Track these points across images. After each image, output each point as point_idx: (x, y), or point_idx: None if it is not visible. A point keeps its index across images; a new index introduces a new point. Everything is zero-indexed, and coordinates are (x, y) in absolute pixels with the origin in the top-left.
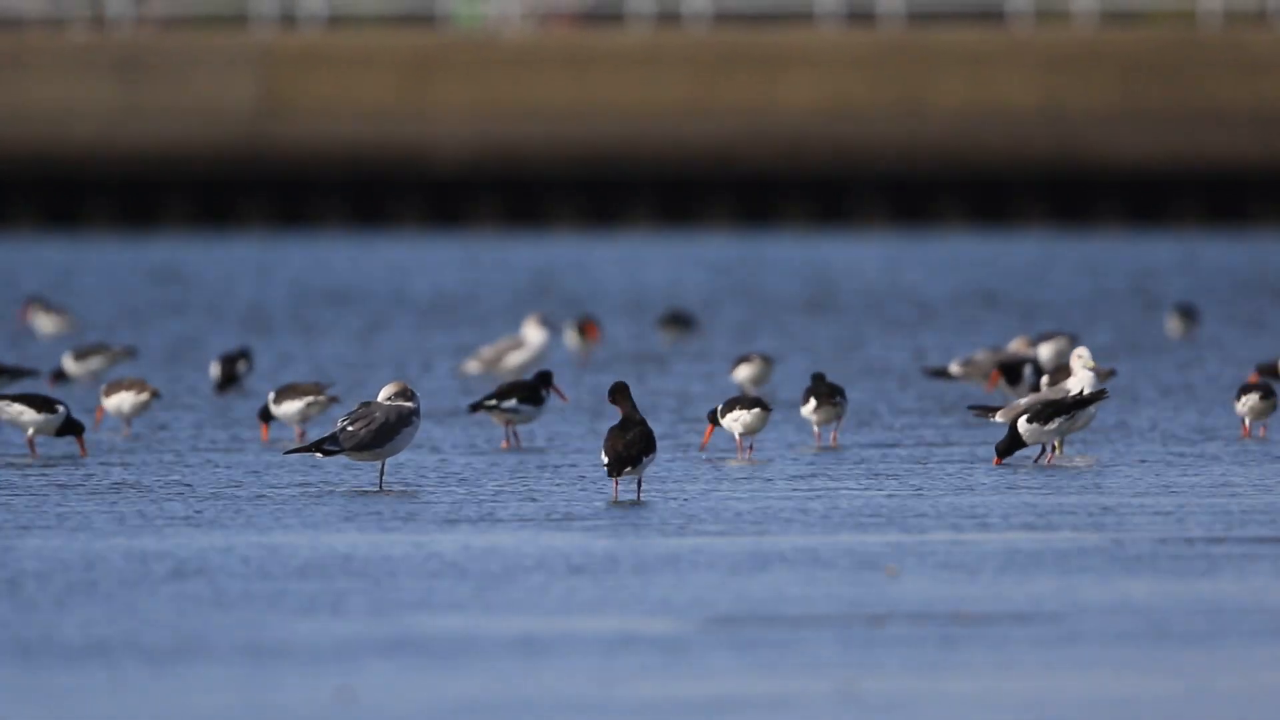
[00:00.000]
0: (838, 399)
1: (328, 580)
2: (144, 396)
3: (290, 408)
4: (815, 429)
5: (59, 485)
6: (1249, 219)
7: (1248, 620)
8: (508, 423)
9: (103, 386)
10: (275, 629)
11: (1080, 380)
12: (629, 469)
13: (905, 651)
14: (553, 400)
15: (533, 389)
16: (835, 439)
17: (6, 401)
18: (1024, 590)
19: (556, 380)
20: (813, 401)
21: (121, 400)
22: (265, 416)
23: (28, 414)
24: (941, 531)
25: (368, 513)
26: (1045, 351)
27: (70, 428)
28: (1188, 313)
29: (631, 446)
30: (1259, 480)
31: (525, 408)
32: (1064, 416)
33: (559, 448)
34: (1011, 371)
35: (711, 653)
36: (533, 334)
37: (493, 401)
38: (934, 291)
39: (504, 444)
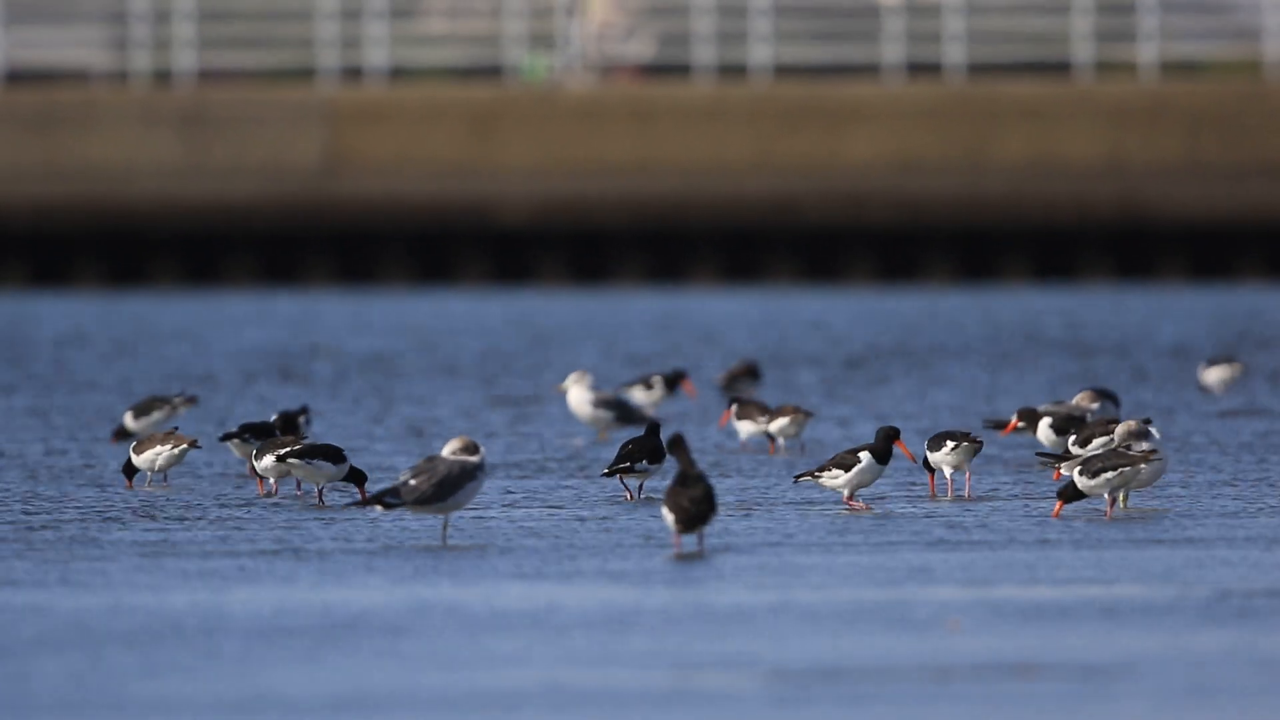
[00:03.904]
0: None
1: (386, 635)
2: (178, 449)
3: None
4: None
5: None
6: None
7: None
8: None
9: (133, 444)
10: (346, 682)
11: (1121, 436)
12: (700, 526)
13: (972, 706)
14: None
15: (655, 446)
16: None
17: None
18: (1087, 643)
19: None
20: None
21: (156, 454)
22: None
23: (326, 466)
24: (1003, 585)
25: (426, 567)
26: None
27: (353, 476)
28: (1233, 364)
29: (700, 503)
30: None
31: (654, 466)
32: (1113, 472)
33: (617, 500)
34: (1073, 425)
35: (778, 708)
36: (639, 394)
37: (626, 464)
38: (995, 343)
39: (628, 496)
